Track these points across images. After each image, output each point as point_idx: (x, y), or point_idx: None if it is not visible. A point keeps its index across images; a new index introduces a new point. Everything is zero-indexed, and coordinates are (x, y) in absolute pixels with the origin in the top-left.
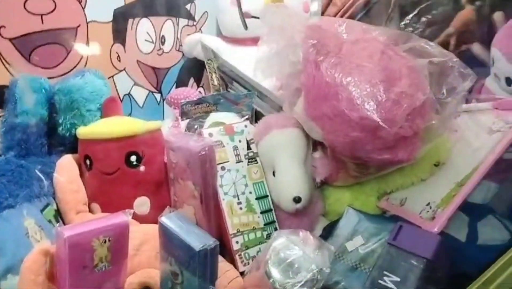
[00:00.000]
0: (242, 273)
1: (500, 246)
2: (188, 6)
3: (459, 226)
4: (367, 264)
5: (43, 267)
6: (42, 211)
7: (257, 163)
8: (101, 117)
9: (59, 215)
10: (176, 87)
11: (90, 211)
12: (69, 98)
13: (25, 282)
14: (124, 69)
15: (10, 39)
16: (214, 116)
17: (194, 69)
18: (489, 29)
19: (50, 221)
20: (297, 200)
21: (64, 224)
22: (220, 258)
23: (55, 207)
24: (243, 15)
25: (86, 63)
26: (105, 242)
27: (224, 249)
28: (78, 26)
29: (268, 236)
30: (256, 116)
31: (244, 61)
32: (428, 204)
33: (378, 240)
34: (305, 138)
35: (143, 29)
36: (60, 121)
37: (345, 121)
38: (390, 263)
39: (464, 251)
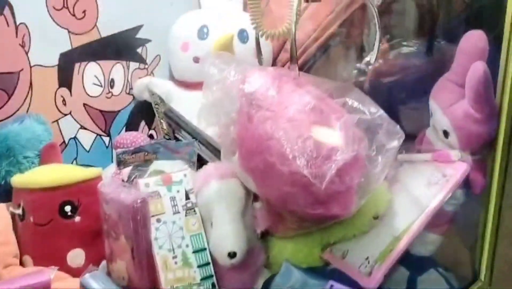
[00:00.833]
0: None
1: None
2: (139, 50)
3: (398, 281)
4: None
5: None
6: None
7: (195, 213)
8: (40, 164)
9: None
10: (126, 130)
11: (22, 264)
12: (5, 146)
13: None
14: (70, 112)
15: None
16: (156, 164)
17: (145, 112)
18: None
19: None
20: (232, 255)
21: None
22: None
23: None
24: (260, 53)
25: (28, 108)
26: None
27: None
28: (21, 70)
29: None
30: (202, 164)
31: (194, 105)
32: (367, 258)
33: None
34: (245, 188)
35: (91, 72)
36: None
37: (276, 175)
38: None
39: None
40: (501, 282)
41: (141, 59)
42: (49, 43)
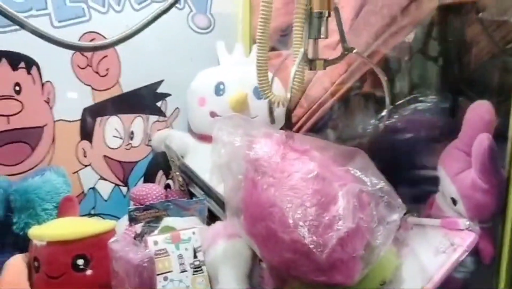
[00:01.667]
0: None
1: None
2: (159, 104)
3: None
4: None
5: None
6: None
7: (203, 272)
8: (57, 216)
9: None
10: (144, 180)
11: None
12: (24, 198)
13: None
14: (90, 164)
15: None
16: (168, 221)
17: (163, 163)
18: None
19: None
20: None
21: None
22: None
23: None
24: (271, 114)
25: (51, 160)
26: None
27: None
28: (45, 125)
29: None
30: (215, 219)
31: (209, 158)
32: None
33: None
34: (251, 249)
35: (111, 126)
36: (15, 220)
37: (278, 242)
38: None
39: None
40: None
41: (160, 112)
42: (72, 99)
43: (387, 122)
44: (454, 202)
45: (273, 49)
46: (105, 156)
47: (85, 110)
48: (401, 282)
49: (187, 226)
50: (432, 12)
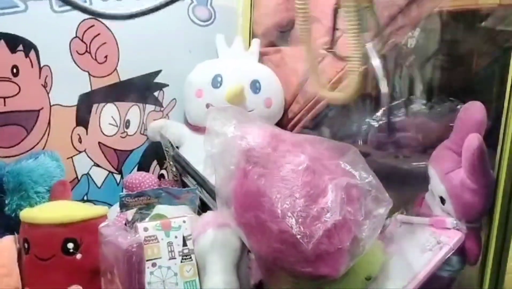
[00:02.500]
0: None
1: None
2: (156, 93)
3: None
4: None
5: None
6: None
7: (191, 260)
8: (49, 199)
9: None
10: (138, 169)
11: None
12: (17, 180)
13: None
14: (85, 150)
15: None
16: (159, 208)
17: (158, 152)
18: None
19: None
20: None
21: None
22: None
23: None
24: None
25: (45, 144)
26: None
27: None
28: (41, 109)
29: None
30: (207, 209)
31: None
32: None
33: None
34: (240, 239)
35: (107, 113)
36: (7, 201)
37: (267, 232)
38: None
39: None
40: None
41: (157, 102)
42: (70, 85)
43: (381, 122)
44: (442, 201)
45: (272, 44)
46: (100, 143)
47: (81, 96)
48: (386, 278)
49: (178, 214)
50: (431, 13)
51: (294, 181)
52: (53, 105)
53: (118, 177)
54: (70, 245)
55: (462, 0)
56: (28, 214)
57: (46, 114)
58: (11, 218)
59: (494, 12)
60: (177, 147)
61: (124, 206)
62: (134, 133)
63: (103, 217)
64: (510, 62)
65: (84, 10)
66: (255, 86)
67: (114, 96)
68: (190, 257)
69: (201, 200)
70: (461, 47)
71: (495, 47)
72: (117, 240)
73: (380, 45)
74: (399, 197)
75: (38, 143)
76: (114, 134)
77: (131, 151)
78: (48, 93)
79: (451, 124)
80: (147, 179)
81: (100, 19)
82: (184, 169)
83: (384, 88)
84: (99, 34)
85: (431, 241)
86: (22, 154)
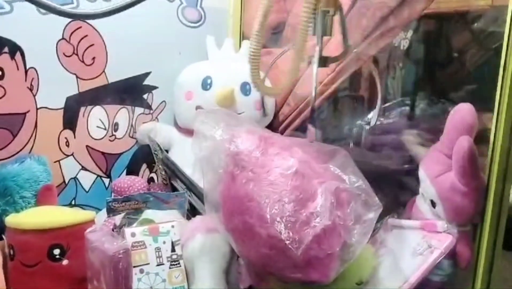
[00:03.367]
0: None
1: None
2: (145, 96)
3: None
4: None
5: None
6: None
7: (180, 266)
8: (35, 204)
9: None
10: (127, 172)
11: None
12: (2, 185)
13: None
14: (72, 154)
15: None
16: (147, 213)
17: (147, 156)
18: None
19: None
20: None
21: None
22: None
23: None
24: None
25: (32, 147)
26: None
27: None
28: (27, 112)
29: None
30: (195, 215)
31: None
32: None
33: None
34: (229, 244)
35: (95, 116)
36: None
37: (255, 237)
38: None
39: None
40: None
41: (146, 105)
42: (56, 87)
43: (373, 123)
44: (433, 204)
45: (263, 46)
46: (88, 146)
47: (69, 99)
48: (377, 282)
49: (167, 219)
50: (421, 14)
51: (283, 185)
52: (40, 108)
53: (106, 180)
54: (57, 251)
55: (454, 2)
56: (13, 219)
57: (33, 117)
58: None
59: (486, 13)
60: (166, 150)
61: (111, 211)
62: (123, 136)
63: (91, 222)
64: (500, 64)
65: (67, 14)
66: (245, 88)
67: (102, 99)
68: (179, 263)
69: (190, 204)
70: (453, 49)
71: (487, 49)
72: (104, 246)
73: (372, 46)
74: (391, 200)
75: (24, 147)
76: (103, 138)
77: (120, 154)
78: (34, 96)
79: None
80: (136, 183)
81: (87, 20)
82: (173, 173)
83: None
84: (86, 35)
85: (422, 245)
86: (8, 158)
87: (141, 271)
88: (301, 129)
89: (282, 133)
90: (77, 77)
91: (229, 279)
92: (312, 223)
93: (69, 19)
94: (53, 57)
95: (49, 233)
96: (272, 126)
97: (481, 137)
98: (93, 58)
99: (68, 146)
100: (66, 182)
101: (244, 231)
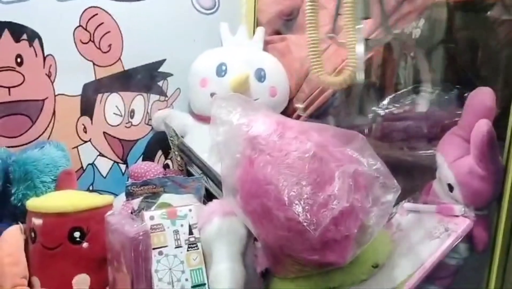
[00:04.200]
0: None
1: None
2: (160, 83)
3: None
4: None
5: None
6: None
7: (197, 248)
8: (55, 189)
9: None
10: (143, 159)
11: (30, 284)
12: (23, 170)
13: None
14: (90, 140)
15: None
16: (165, 197)
17: (162, 142)
18: None
19: None
20: None
21: None
22: None
23: None
24: None
25: (50, 134)
26: None
27: None
28: (46, 98)
29: None
30: (212, 198)
31: (208, 139)
32: None
33: None
34: (246, 227)
35: (112, 103)
36: (13, 191)
37: (273, 220)
38: None
39: None
40: None
41: (161, 92)
42: (74, 74)
43: (388, 110)
44: (450, 188)
45: (277, 32)
46: (105, 133)
47: (86, 85)
48: (393, 266)
49: (184, 203)
50: (436, 2)
51: (300, 168)
52: (58, 95)
53: (123, 166)
54: (77, 234)
55: None
56: (35, 203)
57: (51, 104)
58: (18, 207)
59: (500, 1)
60: (181, 137)
61: (130, 195)
62: (139, 123)
63: (109, 206)
64: None
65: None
66: (260, 74)
67: (118, 86)
68: (196, 245)
69: (206, 189)
70: (466, 37)
71: (500, 37)
72: (124, 228)
73: (385, 33)
74: (406, 188)
75: (43, 133)
76: (119, 124)
77: (136, 141)
78: (52, 83)
79: (458, 112)
80: (152, 168)
81: (103, 8)
82: (189, 158)
83: (361, 76)
84: (102, 23)
85: (439, 228)
86: (27, 143)
87: (160, 253)
88: (315, 117)
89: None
90: (93, 64)
91: (246, 262)
92: (330, 205)
93: (85, 6)
94: (71, 44)
95: (70, 216)
96: (286, 113)
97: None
98: (109, 45)
99: (85, 132)
100: (84, 167)
101: (262, 214)
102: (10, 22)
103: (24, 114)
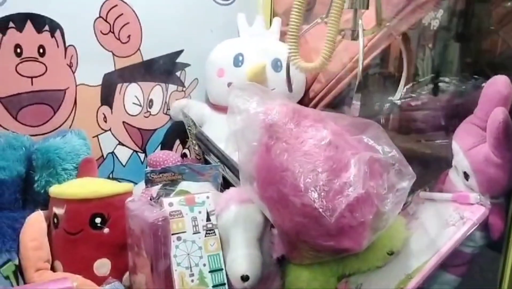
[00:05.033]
0: None
1: None
2: (178, 73)
3: None
4: None
5: None
6: (0, 266)
7: (215, 235)
8: (77, 176)
9: (19, 271)
10: (161, 148)
11: (53, 268)
12: (46, 157)
13: None
14: (110, 129)
15: None
16: (183, 185)
17: (180, 132)
18: None
19: (7, 277)
20: (244, 278)
21: (24, 280)
22: None
23: (16, 262)
24: (289, 81)
25: (72, 123)
26: None
27: None
28: (67, 88)
29: None
30: (229, 186)
31: (225, 128)
32: None
33: None
34: (263, 214)
35: (131, 93)
36: (36, 178)
37: (289, 206)
38: None
39: None
40: None
41: (179, 82)
42: (94, 64)
43: (404, 99)
44: (466, 176)
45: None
46: (124, 122)
47: (106, 76)
48: (408, 253)
49: (202, 191)
50: None
51: (316, 155)
52: (79, 84)
53: (142, 155)
54: (98, 220)
55: None
56: (57, 189)
57: (72, 93)
58: (40, 194)
59: None
60: (199, 126)
61: (149, 182)
62: (157, 113)
63: (129, 193)
64: None
65: None
66: (277, 65)
67: (137, 76)
68: (214, 232)
69: (223, 177)
70: (484, 28)
71: None
72: (144, 214)
73: (403, 22)
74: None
75: (65, 122)
76: (138, 114)
77: (155, 130)
78: (73, 73)
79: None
80: (170, 157)
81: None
82: (206, 147)
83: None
84: (122, 14)
85: (454, 216)
86: (49, 132)
87: (179, 239)
88: (332, 106)
89: None
90: (113, 54)
91: (262, 249)
92: (346, 192)
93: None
94: (91, 35)
95: (91, 203)
96: (303, 103)
97: None
98: (129, 36)
99: (105, 121)
100: (104, 156)
101: (278, 200)
102: (32, 14)
103: (46, 104)
